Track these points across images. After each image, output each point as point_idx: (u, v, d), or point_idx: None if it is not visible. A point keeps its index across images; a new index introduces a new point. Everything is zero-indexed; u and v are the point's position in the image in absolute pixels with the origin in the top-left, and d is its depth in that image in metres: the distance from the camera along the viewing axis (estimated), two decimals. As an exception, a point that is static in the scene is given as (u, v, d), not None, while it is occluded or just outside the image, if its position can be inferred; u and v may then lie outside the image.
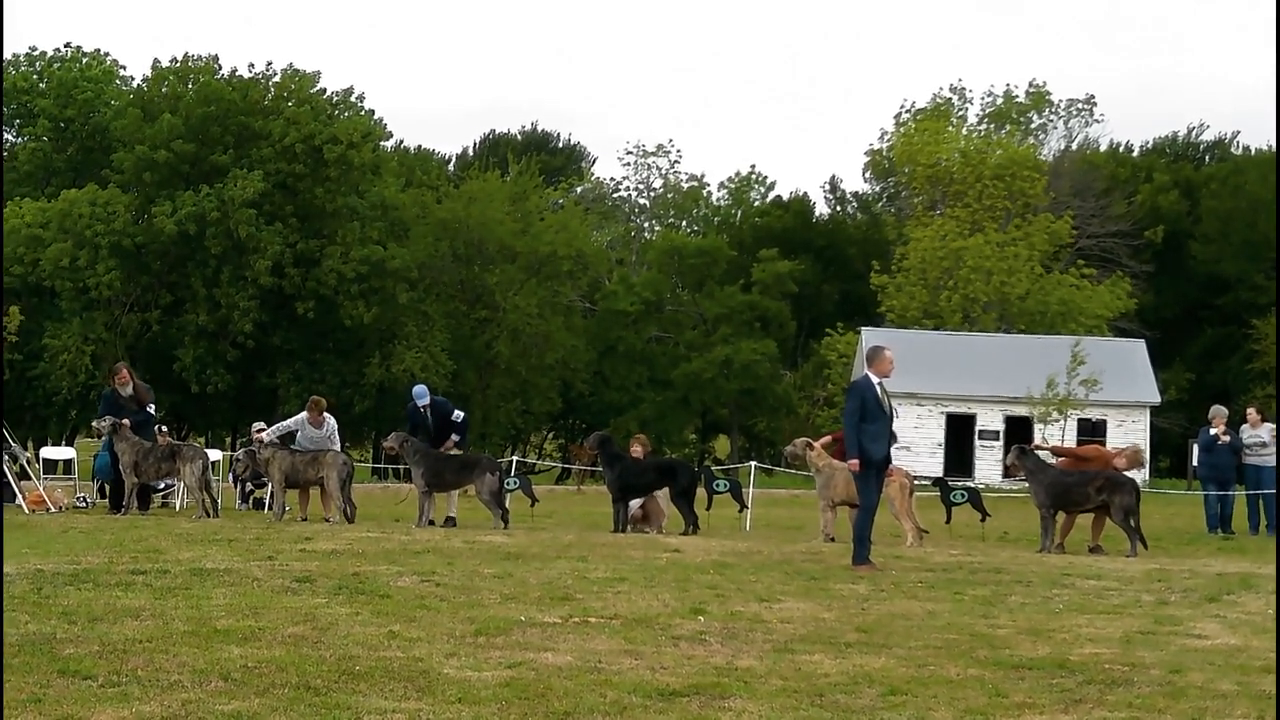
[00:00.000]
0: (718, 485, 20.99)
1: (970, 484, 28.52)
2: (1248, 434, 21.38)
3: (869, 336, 48.53)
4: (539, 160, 62.34)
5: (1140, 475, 24.58)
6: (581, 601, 9.80)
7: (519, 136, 75.73)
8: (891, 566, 12.94)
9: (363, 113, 55.84)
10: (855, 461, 13.61)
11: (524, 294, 54.34)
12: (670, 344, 60.66)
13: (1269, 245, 65.40)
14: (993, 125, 68.40)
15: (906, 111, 68.05)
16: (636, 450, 19.22)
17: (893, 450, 14.11)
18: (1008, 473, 17.71)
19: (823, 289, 67.17)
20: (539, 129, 78.17)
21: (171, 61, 54.53)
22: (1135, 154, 75.30)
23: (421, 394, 19.65)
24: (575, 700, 6.40)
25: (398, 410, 50.67)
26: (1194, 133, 77.65)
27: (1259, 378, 60.13)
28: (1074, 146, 71.19)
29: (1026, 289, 58.18)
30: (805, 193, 76.22)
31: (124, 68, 58.39)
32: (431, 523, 17.53)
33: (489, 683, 6.75)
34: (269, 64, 54.19)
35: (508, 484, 19.75)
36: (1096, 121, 73.72)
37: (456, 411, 19.92)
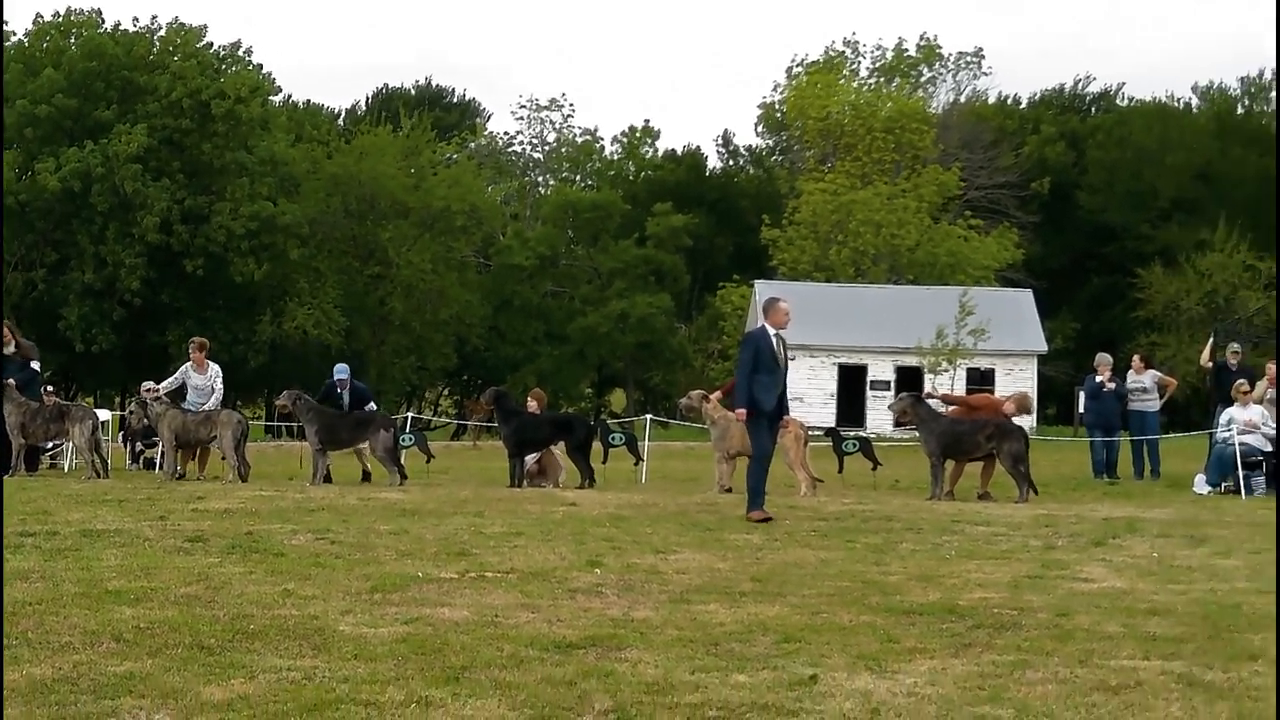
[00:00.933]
0: (613, 438, 21.05)
1: (862, 434, 28.84)
2: (1132, 380, 21.77)
3: (762, 289, 48.84)
4: (432, 115, 61.86)
5: (1028, 422, 24.96)
6: (478, 556, 9.81)
7: (412, 91, 75.05)
8: (786, 516, 13.05)
9: (251, 67, 55.03)
10: (743, 411, 13.60)
11: (418, 250, 54.04)
12: (565, 298, 60.66)
13: (1154, 195, 66.56)
14: (883, 79, 68.89)
15: (799, 65, 68.37)
16: (533, 405, 19.23)
17: (789, 400, 14.10)
18: (899, 421, 17.91)
19: (716, 242, 67.42)
20: (433, 84, 77.58)
21: (54, 16, 53.39)
22: (1023, 106, 76.16)
23: (342, 370, 19.76)
24: (472, 654, 6.41)
25: (290, 368, 50.39)
26: (1080, 84, 78.69)
27: (1143, 326, 61.25)
28: (963, 99, 71.90)
29: (916, 241, 58.79)
30: (698, 146, 76.54)
31: (5, 22, 57.16)
32: (328, 480, 17.42)
33: (385, 639, 6.75)
34: (154, 18, 53.39)
35: (403, 441, 19.67)
36: (985, 75, 74.61)
37: (371, 404, 19.98)
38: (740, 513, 13.12)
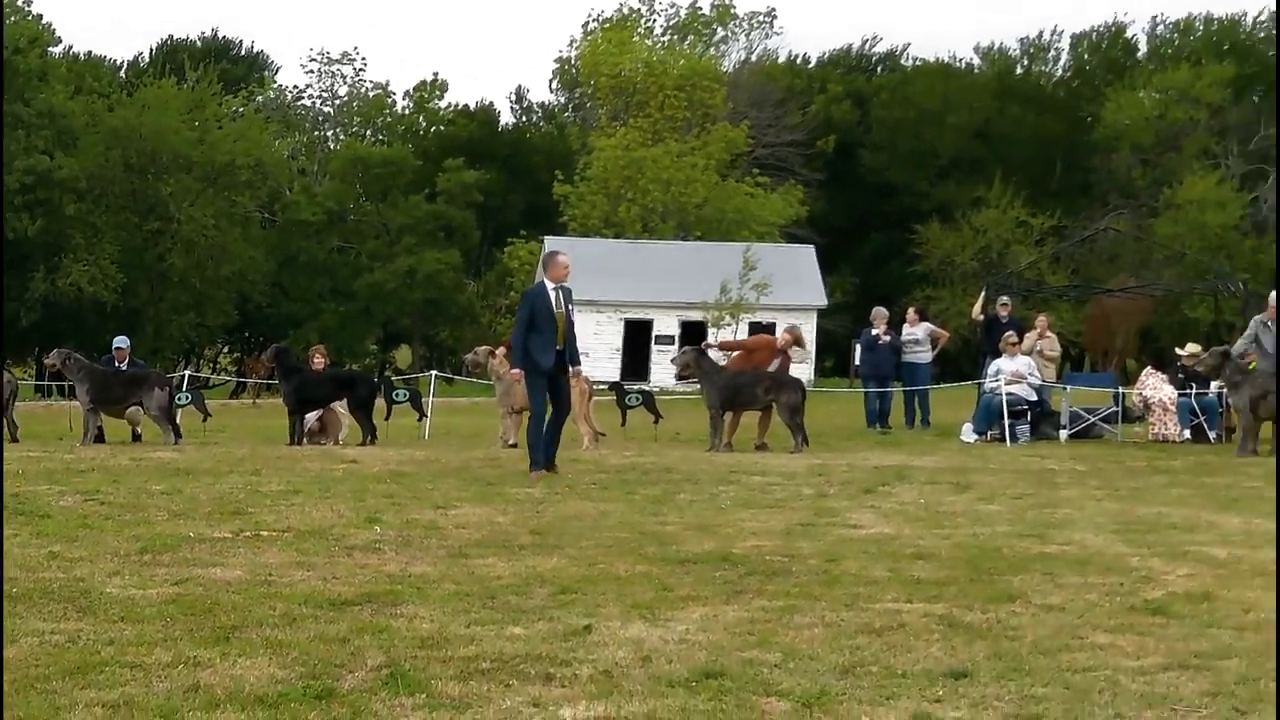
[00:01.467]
0: (397, 395, 20.92)
1: (645, 387, 29.10)
2: (906, 333, 22.29)
3: (551, 245, 48.79)
4: (219, 68, 60.27)
5: (806, 374, 25.33)
6: (253, 515, 9.68)
7: (198, 43, 72.99)
8: (568, 470, 13.14)
9: (29, 17, 53.00)
10: (517, 371, 13.59)
11: (200, 205, 52.71)
12: (353, 255, 59.83)
13: (934, 154, 68.24)
14: (677, 37, 69.26)
15: (594, 21, 68.30)
16: (317, 362, 19.01)
17: (580, 355, 14.08)
18: (681, 375, 18.14)
19: (508, 198, 67.15)
20: (219, 36, 75.49)
21: None
22: (811, 65, 77.25)
23: (122, 341, 19.20)
24: (244, 614, 6.33)
25: (65, 326, 48.81)
26: (867, 44, 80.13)
27: (920, 280, 62.81)
28: (753, 58, 72.66)
29: (704, 198, 59.34)
30: (491, 102, 75.96)
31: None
32: (99, 440, 16.98)
33: (154, 600, 6.63)
34: (-79, -38, 50.92)
35: (179, 399, 19.26)
36: (776, 34, 75.50)
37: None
38: (523, 468, 13.17)
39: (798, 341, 18.47)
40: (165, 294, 52.98)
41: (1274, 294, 17.85)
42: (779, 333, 19.45)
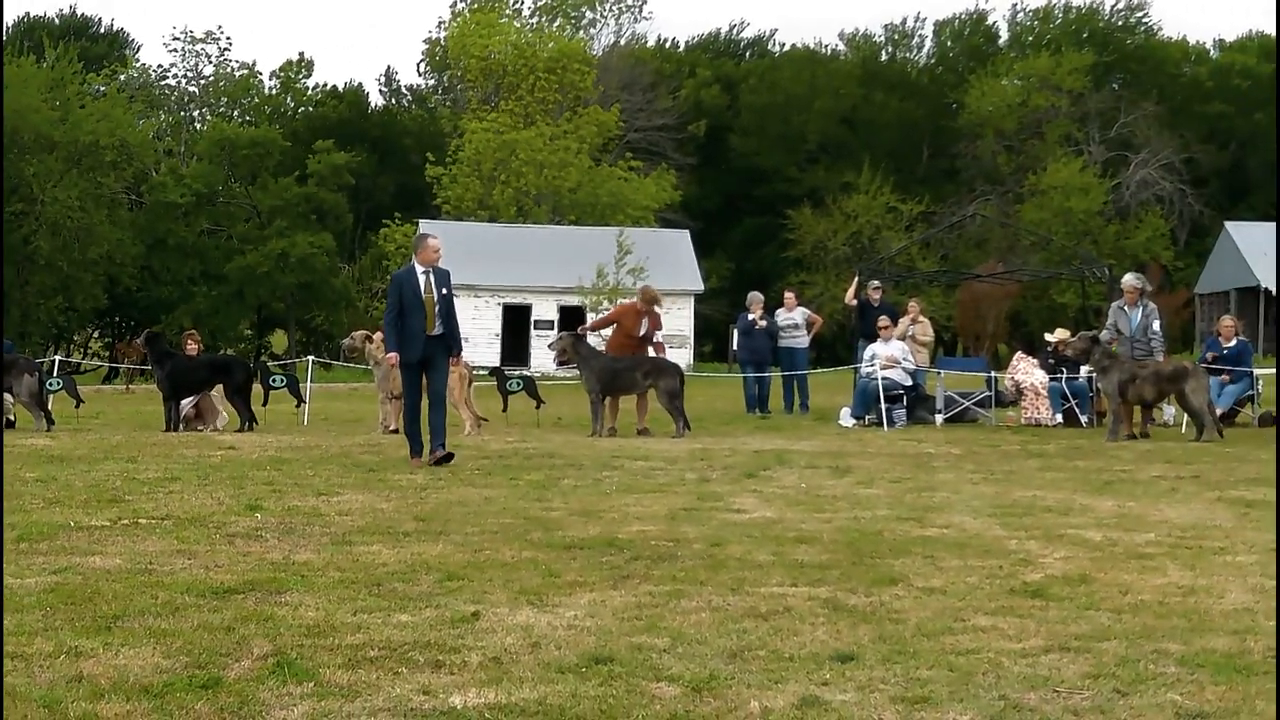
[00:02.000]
0: (274, 380, 20.68)
1: (526, 372, 29.06)
2: (783, 318, 22.49)
3: (425, 228, 48.49)
4: (79, 46, 58.96)
5: (685, 359, 25.43)
6: (131, 503, 9.53)
7: (56, 21, 71.35)
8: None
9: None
10: (393, 356, 13.28)
11: (64, 186, 51.53)
12: (223, 237, 58.95)
13: (803, 139, 68.83)
14: (545, 18, 69.09)
15: (462, 2, 67.87)
16: (191, 347, 18.74)
17: (461, 341, 13.77)
18: (560, 360, 18.16)
19: (379, 181, 66.60)
20: (78, 13, 73.91)
21: None
22: (681, 50, 77.50)
23: None
24: (125, 602, 6.24)
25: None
26: (735, 29, 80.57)
27: (794, 265, 63.40)
28: (623, 42, 72.73)
29: (577, 181, 59.33)
30: (360, 83, 75.16)
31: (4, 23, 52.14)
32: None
33: (32, 589, 6.50)
34: None
35: (49, 385, 18.89)
36: (645, 18, 75.61)
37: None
38: (404, 454, 13.10)
39: (654, 300, 18.49)
40: (31, 278, 51.75)
41: (1127, 276, 18.28)
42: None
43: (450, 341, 13.17)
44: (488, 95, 64.39)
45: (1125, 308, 17.68)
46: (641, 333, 17.91)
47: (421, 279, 12.96)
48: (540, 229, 55.62)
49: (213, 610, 6.13)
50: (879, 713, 4.57)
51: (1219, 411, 17.73)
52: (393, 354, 13.26)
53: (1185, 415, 17.63)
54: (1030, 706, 4.65)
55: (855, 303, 22.92)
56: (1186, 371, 16.81)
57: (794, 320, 22.43)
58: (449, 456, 12.67)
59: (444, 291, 13.07)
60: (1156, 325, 17.59)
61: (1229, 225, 59.91)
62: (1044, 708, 4.64)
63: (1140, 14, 73.60)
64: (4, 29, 47.04)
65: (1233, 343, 19.87)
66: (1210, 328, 35.17)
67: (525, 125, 60.53)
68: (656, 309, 18.36)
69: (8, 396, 17.21)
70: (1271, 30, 68.37)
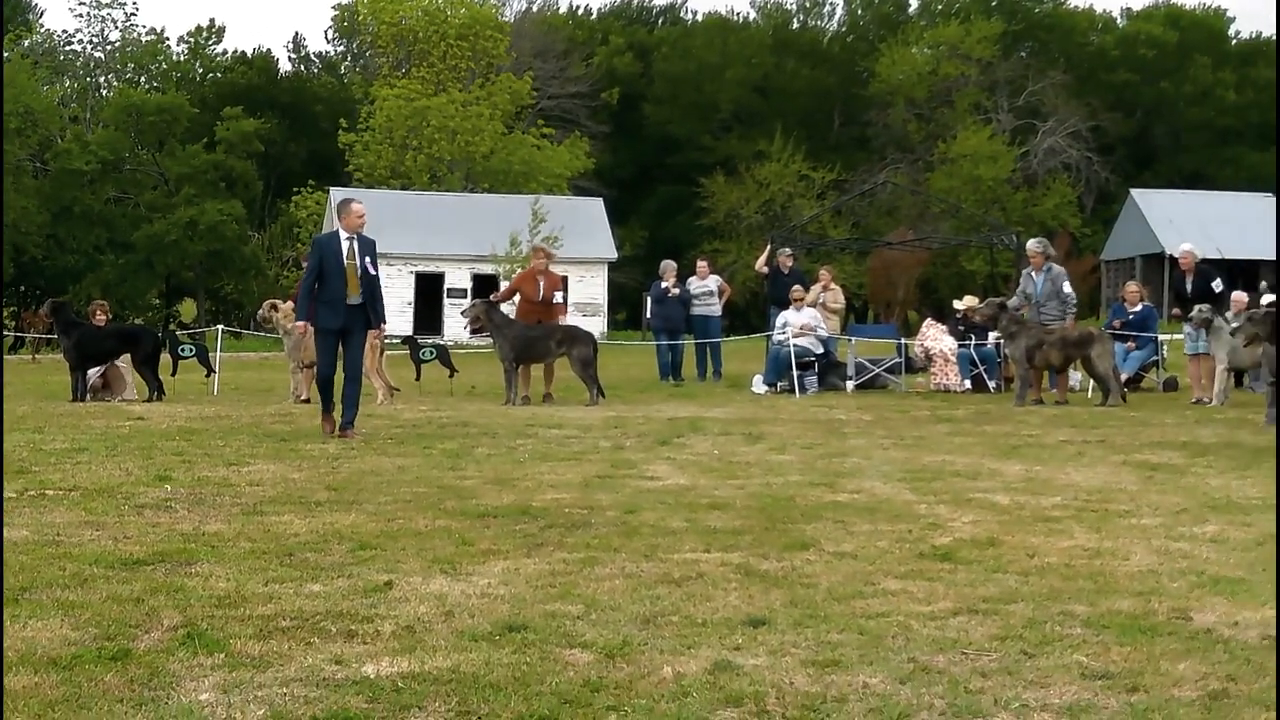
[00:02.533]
0: (183, 350, 20.50)
1: (439, 341, 28.94)
2: (695, 286, 22.55)
3: (337, 195, 48.07)
4: (-20, 11, 57.87)
5: (598, 327, 25.41)
6: (38, 474, 9.41)
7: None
8: (362, 425, 13.01)
9: None
10: (302, 324, 13.01)
11: (-35, 153, 50.60)
12: (130, 205, 58.12)
13: (715, 108, 68.92)
14: (457, -17, 68.55)
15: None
16: (99, 317, 18.50)
17: (384, 309, 13.11)
18: (473, 328, 18.11)
19: (289, 148, 65.97)
20: (-21, -23, 72.41)
21: None
22: (593, 17, 77.26)
23: None
24: (32, 575, 6.16)
25: None
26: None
27: (707, 233, 63.54)
28: (534, 9, 72.43)
29: (490, 149, 59.05)
30: (269, 49, 74.34)
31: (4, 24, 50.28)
32: None
33: (-64, 563, 6.41)
34: None
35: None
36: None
37: None
38: (317, 423, 13.00)
39: (547, 255, 18.57)
40: (-69, 246, 50.82)
41: (1031, 242, 18.50)
42: (571, 286, 19.49)
43: (371, 312, 12.69)
44: (399, 62, 63.87)
45: (1033, 274, 17.89)
46: (540, 296, 17.91)
47: (345, 244, 12.54)
48: (453, 196, 55.33)
49: (122, 582, 6.07)
50: (790, 676, 4.61)
51: (1124, 377, 18.01)
52: (301, 322, 12.94)
53: (1091, 380, 17.88)
54: (939, 669, 4.71)
55: (767, 270, 23.01)
56: (1092, 337, 17.05)
57: (707, 288, 22.48)
58: (347, 431, 12.29)
59: (366, 259, 12.60)
60: (1067, 287, 17.74)
61: (1134, 193, 60.77)
62: (952, 669, 4.70)
63: (1048, -17, 74.35)
64: (3, 29, 45.89)
65: (1138, 308, 20.18)
66: (1116, 294, 35.71)
67: (437, 92, 60.12)
68: (549, 266, 18.37)
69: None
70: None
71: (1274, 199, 48.66)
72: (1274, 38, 61.81)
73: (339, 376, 12.69)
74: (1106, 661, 4.80)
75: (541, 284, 18.03)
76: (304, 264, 13.96)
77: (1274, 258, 40.62)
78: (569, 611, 5.54)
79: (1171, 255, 54.46)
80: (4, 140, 44.99)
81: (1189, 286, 18.10)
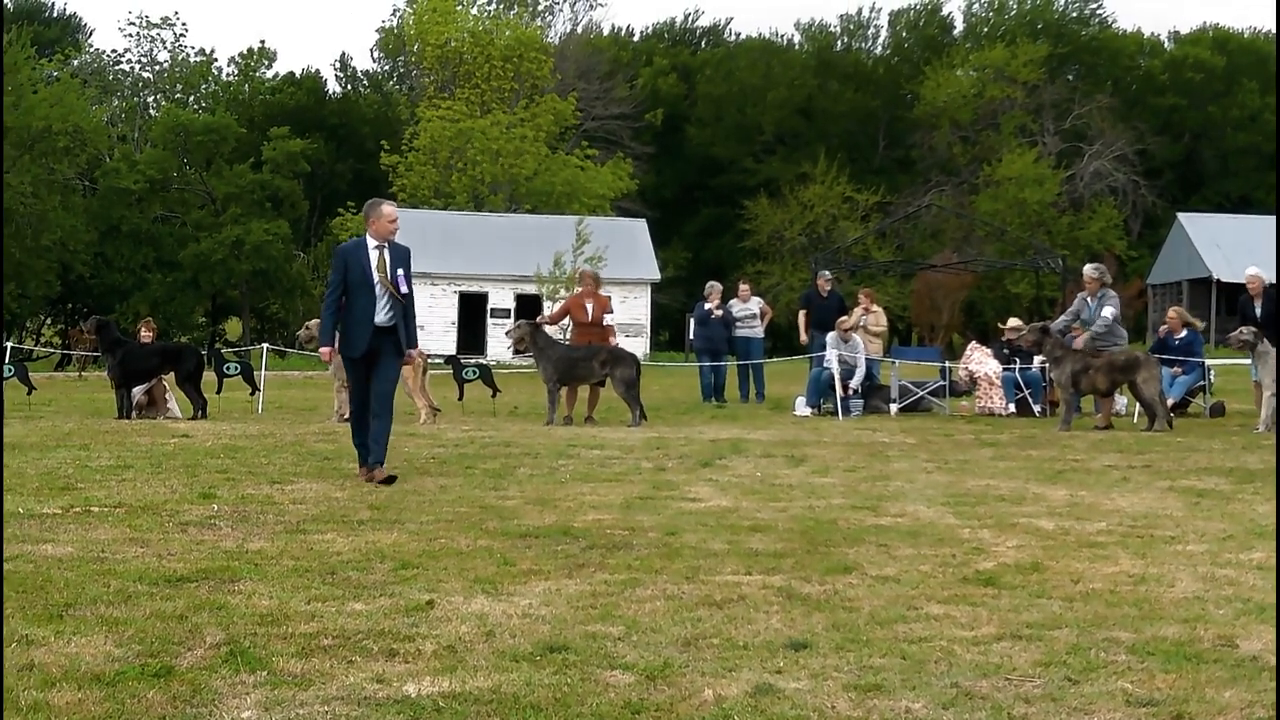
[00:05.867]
0: (228, 368, 20.57)
1: (482, 361, 28.99)
2: (738, 308, 22.56)
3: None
4: (31, 30, 58.42)
5: (641, 349, 25.39)
6: (83, 491, 9.47)
7: (8, 5, 70.65)
8: (405, 444, 13.04)
9: None
10: (326, 350, 11.15)
11: (17, 172, 51.06)
12: (178, 224, 58.55)
13: (758, 129, 68.93)
14: (501, 6, 68.90)
15: (418, -13, 67.60)
16: (146, 335, 18.66)
17: (417, 331, 11.09)
18: (517, 349, 18.15)
19: (335, 168, 66.32)
20: (29, -3, 73.26)
21: None
22: (636, 38, 77.47)
23: None
24: (77, 591, 6.20)
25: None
26: (690, 19, 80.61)
27: (750, 255, 63.51)
28: (579, 30, 72.65)
29: (534, 170, 59.18)
30: (317, 70, 74.83)
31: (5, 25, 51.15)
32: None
33: (-17, 578, 6.45)
34: None
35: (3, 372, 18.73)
36: (600, 5, 75.63)
37: None
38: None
39: (594, 279, 18.64)
40: (-20, 264, 51.30)
41: (1087, 267, 18.33)
42: (614, 306, 19.54)
43: (403, 334, 10.69)
44: (444, 83, 64.15)
45: (1088, 298, 17.71)
46: (590, 318, 17.99)
47: (374, 255, 10.61)
48: (496, 217, 55.47)
49: (165, 599, 6.09)
50: (832, 701, 4.59)
51: (1170, 402, 17.86)
52: (325, 348, 11.16)
53: (1137, 405, 17.75)
54: (982, 694, 4.68)
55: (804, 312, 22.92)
56: (1139, 361, 16.92)
57: (750, 310, 22.50)
58: (391, 479, 10.23)
59: (399, 272, 10.65)
60: (1107, 311, 17.38)
61: (1181, 216, 60.40)
62: (996, 695, 4.67)
63: (1094, 6, 74.15)
64: (3, 28, 46.36)
65: (1183, 333, 20.00)
66: (1163, 318, 35.40)
67: (482, 113, 60.33)
68: (597, 290, 18.45)
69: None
70: (1273, 30, 68.89)
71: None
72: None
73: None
74: (1151, 689, 4.75)
75: (589, 307, 18.10)
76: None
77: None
78: (610, 633, 5.53)
79: (1218, 279, 54.25)
80: (2, 141, 45.25)
81: (1258, 310, 17.81)
